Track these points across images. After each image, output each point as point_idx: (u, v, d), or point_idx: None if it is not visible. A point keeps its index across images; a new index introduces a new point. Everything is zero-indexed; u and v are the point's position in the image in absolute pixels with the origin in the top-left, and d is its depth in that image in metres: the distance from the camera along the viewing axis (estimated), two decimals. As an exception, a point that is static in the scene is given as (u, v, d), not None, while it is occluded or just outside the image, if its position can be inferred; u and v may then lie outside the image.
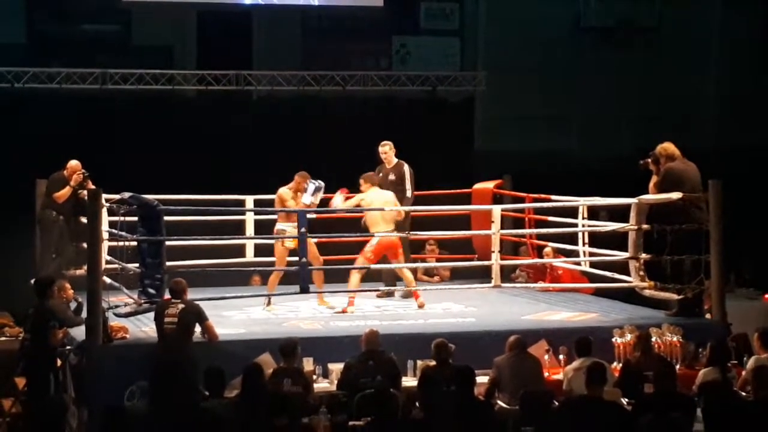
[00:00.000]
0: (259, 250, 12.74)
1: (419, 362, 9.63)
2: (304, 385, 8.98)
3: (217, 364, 8.55)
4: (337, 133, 15.45)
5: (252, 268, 11.93)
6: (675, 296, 10.96)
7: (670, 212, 10.88)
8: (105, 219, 10.59)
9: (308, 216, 11.12)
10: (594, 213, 12.54)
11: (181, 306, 9.62)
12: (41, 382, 9.53)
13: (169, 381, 9.15)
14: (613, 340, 10.12)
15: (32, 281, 11.93)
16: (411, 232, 12.17)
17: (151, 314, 9.97)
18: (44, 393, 9.46)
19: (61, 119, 14.69)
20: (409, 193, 12.78)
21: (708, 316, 10.99)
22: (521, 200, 13.29)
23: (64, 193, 12.43)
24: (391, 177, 12.77)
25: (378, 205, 11.76)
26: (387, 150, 12.95)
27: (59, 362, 9.84)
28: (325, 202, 11.88)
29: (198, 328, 9.75)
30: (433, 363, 9.24)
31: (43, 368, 9.60)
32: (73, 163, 12.52)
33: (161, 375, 9.24)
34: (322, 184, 11.72)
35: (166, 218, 10.43)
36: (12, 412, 10.27)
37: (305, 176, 11.77)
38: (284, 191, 11.77)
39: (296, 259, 10.90)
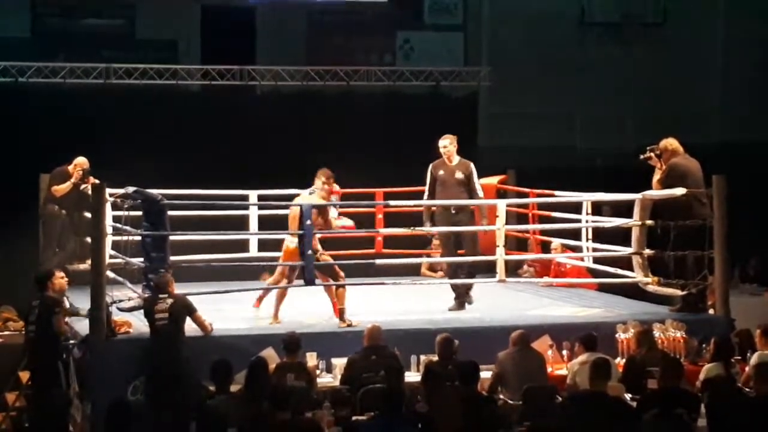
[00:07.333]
0: (263, 245, 12.71)
1: (422, 357, 9.63)
2: (308, 380, 8.99)
3: (225, 357, 8.57)
4: (340, 129, 15.42)
5: (255, 263, 11.90)
6: (679, 292, 10.96)
7: (673, 208, 10.87)
8: (109, 213, 10.58)
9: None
10: (597, 209, 12.53)
11: (169, 301, 9.54)
12: (48, 371, 9.53)
13: (166, 377, 9.16)
14: (617, 335, 10.12)
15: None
16: (415, 228, 12.04)
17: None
18: (52, 383, 9.45)
19: (65, 114, 14.67)
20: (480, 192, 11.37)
21: (711, 311, 10.99)
22: (525, 196, 13.28)
23: (63, 188, 12.41)
24: (459, 175, 11.29)
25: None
26: (447, 144, 11.33)
27: (63, 355, 9.83)
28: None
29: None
30: (436, 358, 9.24)
31: (49, 357, 9.59)
32: (80, 160, 12.52)
33: (156, 372, 9.24)
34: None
35: (170, 213, 10.43)
36: (16, 405, 10.28)
37: None
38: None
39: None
